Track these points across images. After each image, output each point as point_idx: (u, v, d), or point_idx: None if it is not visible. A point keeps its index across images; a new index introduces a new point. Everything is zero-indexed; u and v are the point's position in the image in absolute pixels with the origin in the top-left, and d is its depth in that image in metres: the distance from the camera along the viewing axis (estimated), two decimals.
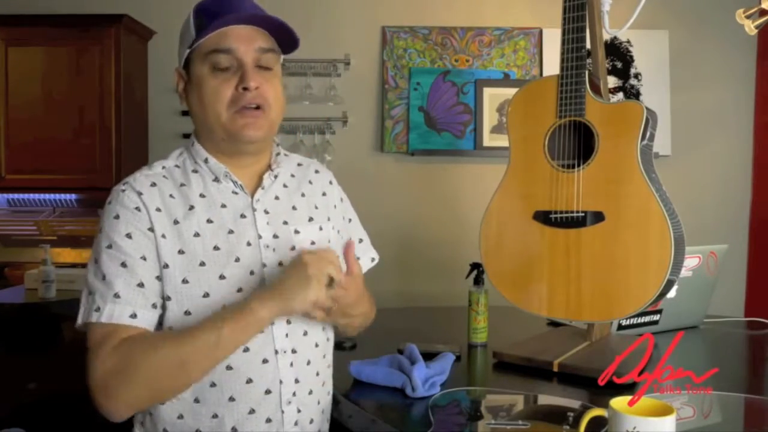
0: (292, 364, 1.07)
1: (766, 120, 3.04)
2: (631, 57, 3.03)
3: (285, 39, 1.10)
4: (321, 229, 1.17)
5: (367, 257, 1.30)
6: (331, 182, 1.26)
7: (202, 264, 1.02)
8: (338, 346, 1.53)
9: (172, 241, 1.02)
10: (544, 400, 1.27)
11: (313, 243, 1.14)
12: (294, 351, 1.07)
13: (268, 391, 1.04)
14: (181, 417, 1.03)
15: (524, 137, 1.47)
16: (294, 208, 1.15)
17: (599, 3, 1.52)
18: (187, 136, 3.03)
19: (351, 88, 3.04)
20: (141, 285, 1.00)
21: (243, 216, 1.08)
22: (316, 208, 1.18)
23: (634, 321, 1.72)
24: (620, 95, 3.02)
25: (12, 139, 2.86)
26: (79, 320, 1.01)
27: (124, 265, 1.00)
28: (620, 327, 1.70)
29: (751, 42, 2.99)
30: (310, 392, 1.10)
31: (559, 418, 1.12)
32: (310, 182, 1.21)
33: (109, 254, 1.00)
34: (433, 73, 3.02)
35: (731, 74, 3.06)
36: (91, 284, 1.01)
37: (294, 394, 1.07)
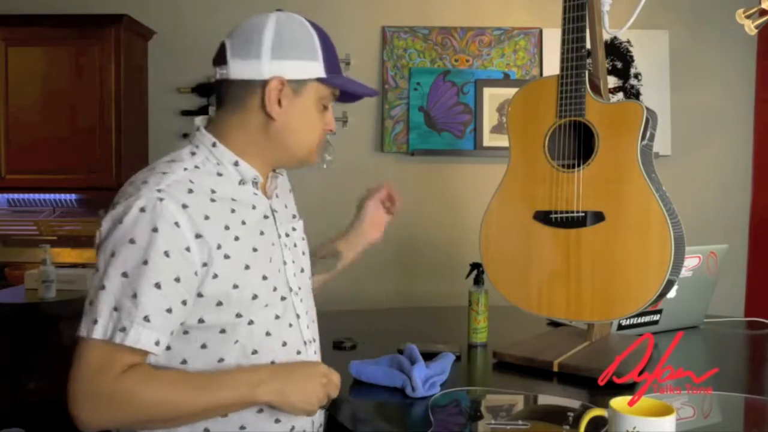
0: (315, 352, 1.15)
1: (766, 120, 3.04)
2: (631, 57, 3.03)
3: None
4: (302, 222, 1.25)
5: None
6: (282, 174, 1.28)
7: (247, 267, 1.03)
8: (338, 346, 1.53)
9: (222, 248, 1.00)
10: (544, 400, 1.27)
11: (304, 238, 1.23)
12: (313, 339, 1.16)
13: None
14: (225, 416, 1.03)
15: (524, 137, 1.47)
16: (285, 206, 1.21)
17: (599, 3, 1.52)
18: (187, 135, 3.04)
19: None
20: (169, 311, 0.95)
21: (266, 217, 1.11)
22: (293, 204, 1.26)
23: (634, 321, 1.72)
24: (620, 95, 3.02)
25: (12, 139, 2.87)
26: (95, 334, 0.93)
27: (158, 286, 0.94)
28: (620, 327, 1.70)
29: (751, 42, 2.99)
30: None
31: (559, 418, 1.12)
32: (279, 180, 1.23)
33: (143, 271, 0.94)
34: (433, 73, 3.02)
35: (731, 74, 3.06)
36: (119, 300, 0.94)
37: None
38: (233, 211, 1.04)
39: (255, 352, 1.04)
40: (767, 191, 3.04)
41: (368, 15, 3.05)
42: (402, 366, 1.28)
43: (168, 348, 1.00)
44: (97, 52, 2.82)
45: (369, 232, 1.41)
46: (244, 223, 1.05)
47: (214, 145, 1.07)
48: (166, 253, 0.94)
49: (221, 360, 1.02)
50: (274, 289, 1.07)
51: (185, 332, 1.01)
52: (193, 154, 1.07)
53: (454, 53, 3.04)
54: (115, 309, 0.93)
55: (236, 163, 1.07)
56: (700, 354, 1.71)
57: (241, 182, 1.08)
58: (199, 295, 0.99)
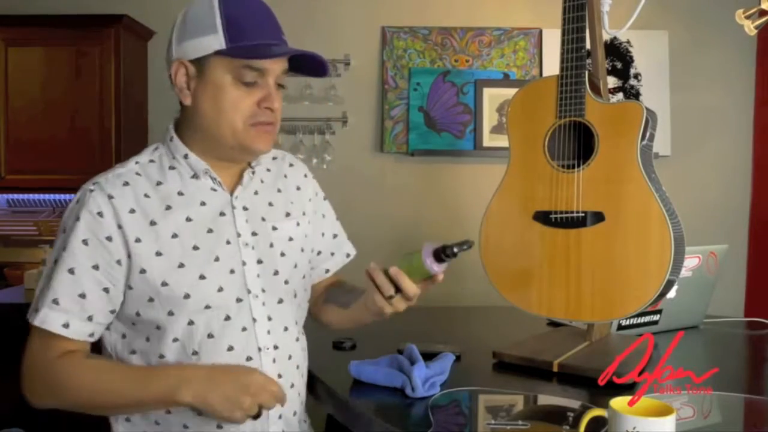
0: (274, 360, 1.08)
1: (766, 120, 3.04)
2: (631, 57, 3.03)
3: (309, 63, 1.09)
4: (298, 224, 1.17)
5: (342, 253, 1.32)
6: (305, 175, 1.25)
7: (181, 266, 1.01)
8: (338, 346, 1.53)
9: (148, 244, 1.00)
10: (544, 400, 1.27)
11: (291, 239, 1.14)
12: (276, 347, 1.08)
13: None
14: (168, 412, 1.04)
15: (524, 137, 1.47)
16: (271, 204, 1.14)
17: (599, 3, 1.52)
18: None
19: (351, 88, 3.04)
20: (83, 296, 0.99)
21: (222, 214, 1.07)
22: (292, 203, 1.18)
23: (634, 321, 1.72)
24: (620, 95, 3.02)
25: (12, 139, 2.86)
26: (30, 318, 1.01)
27: (71, 271, 0.98)
28: (620, 327, 1.70)
29: (751, 42, 2.99)
30: (292, 385, 1.12)
31: (559, 418, 1.12)
32: (285, 176, 1.21)
33: (61, 257, 0.99)
34: (433, 73, 3.02)
35: (731, 74, 3.06)
36: (40, 283, 1.02)
37: None
38: (169, 207, 1.03)
39: (195, 353, 1.02)
40: (767, 191, 3.04)
41: (368, 15, 3.05)
42: (402, 366, 1.28)
43: (124, 336, 1.05)
44: (97, 52, 2.82)
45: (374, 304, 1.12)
46: (189, 219, 1.03)
47: (171, 139, 1.09)
48: (85, 242, 0.99)
49: (162, 356, 1.03)
50: (220, 290, 1.03)
51: (133, 323, 1.04)
52: (156, 149, 1.10)
53: (454, 53, 3.04)
54: (39, 291, 1.02)
55: (186, 156, 1.07)
56: (700, 354, 1.71)
57: (195, 176, 1.07)
58: (129, 287, 1.01)
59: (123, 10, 2.85)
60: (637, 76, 3.03)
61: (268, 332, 1.08)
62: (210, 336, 1.03)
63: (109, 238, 0.99)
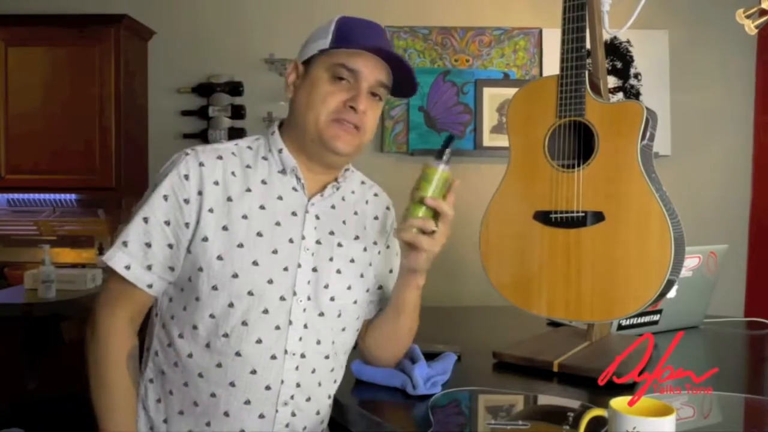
0: (297, 368, 1.08)
1: (765, 120, 3.04)
2: (631, 57, 3.03)
3: (404, 83, 1.15)
4: (365, 249, 1.18)
5: None
6: (388, 207, 1.28)
7: (240, 245, 1.05)
8: None
9: (218, 216, 1.05)
10: (544, 400, 1.27)
11: (352, 261, 1.16)
12: (303, 356, 1.08)
13: (268, 387, 1.06)
14: (186, 385, 1.07)
15: (524, 137, 1.47)
16: (344, 222, 1.16)
17: (599, 3, 1.52)
18: (187, 136, 3.05)
19: None
20: (148, 245, 1.05)
21: (294, 213, 1.10)
22: (365, 228, 1.20)
23: (634, 321, 1.72)
24: (620, 95, 3.02)
25: (12, 139, 2.87)
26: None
27: (146, 220, 1.05)
28: (620, 327, 1.70)
29: (751, 42, 2.99)
30: (308, 399, 1.10)
31: (559, 418, 1.12)
32: (367, 202, 1.23)
33: (142, 207, 1.06)
34: (433, 73, 3.02)
35: (731, 74, 3.06)
36: (120, 227, 1.08)
37: (292, 397, 1.08)
38: (249, 190, 1.08)
39: (226, 335, 1.04)
40: (767, 191, 3.04)
41: (368, 15, 3.02)
42: (402, 366, 1.28)
43: (171, 300, 1.09)
44: (97, 52, 2.82)
45: (403, 261, 1.18)
46: (262, 207, 1.08)
47: (272, 133, 1.15)
48: (165, 197, 1.05)
49: (195, 327, 1.06)
50: (269, 282, 1.05)
51: (182, 289, 1.08)
52: (257, 139, 1.16)
53: (454, 53, 3.04)
54: (118, 235, 1.07)
55: (280, 151, 1.12)
56: (700, 354, 1.71)
57: (282, 171, 1.12)
58: (188, 251, 1.05)
59: (123, 10, 2.86)
60: (637, 75, 3.03)
61: (300, 339, 1.08)
62: (244, 324, 1.04)
63: (186, 201, 1.05)
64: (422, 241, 1.10)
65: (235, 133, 2.98)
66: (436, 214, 1.11)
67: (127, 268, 1.04)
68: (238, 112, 3.04)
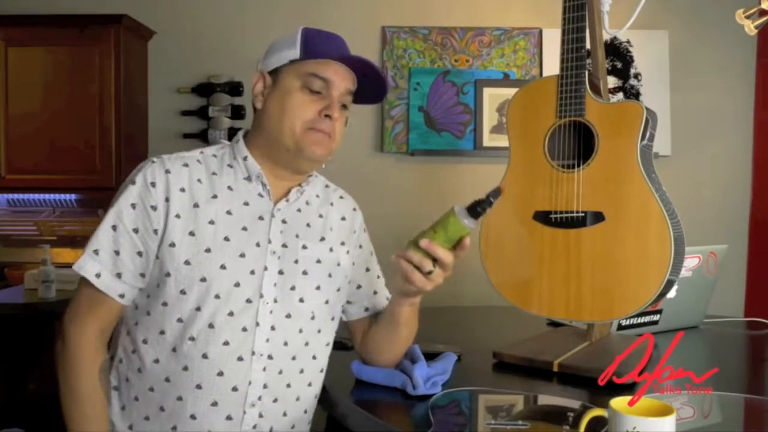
0: (264, 369, 1.09)
1: (765, 120, 3.04)
2: (631, 57, 3.03)
3: (373, 89, 1.19)
4: (331, 250, 1.20)
5: (383, 295, 1.33)
6: (354, 209, 1.30)
7: (208, 250, 1.06)
8: (339, 345, 1.53)
9: (185, 222, 1.06)
10: (544, 400, 1.27)
11: (318, 261, 1.17)
12: (270, 357, 1.09)
13: (235, 389, 1.06)
14: (151, 390, 1.07)
15: (524, 137, 1.47)
16: (308, 225, 1.18)
17: (599, 3, 1.52)
18: (187, 136, 3.05)
19: None
20: (117, 253, 1.06)
21: (261, 218, 1.12)
22: (331, 229, 1.22)
23: (634, 321, 1.72)
24: (620, 95, 3.02)
25: (12, 139, 2.87)
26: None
27: (114, 228, 1.07)
28: (620, 327, 1.70)
29: (751, 42, 2.99)
30: (275, 400, 1.11)
31: (559, 418, 1.13)
32: (332, 204, 1.25)
33: (110, 215, 1.07)
34: (433, 73, 3.02)
35: (731, 74, 3.06)
36: (92, 234, 1.09)
37: (259, 398, 1.09)
38: (215, 197, 1.10)
39: (192, 338, 1.05)
40: (767, 191, 3.04)
41: (368, 15, 3.05)
42: (402, 366, 1.28)
43: (136, 307, 1.09)
44: (97, 52, 2.82)
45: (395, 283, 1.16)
46: (229, 213, 1.09)
47: (237, 141, 1.18)
48: (133, 205, 1.07)
49: (162, 332, 1.06)
50: (236, 285, 1.07)
51: (148, 295, 1.09)
52: (222, 147, 1.19)
53: (454, 53, 3.04)
54: (88, 242, 1.08)
55: (245, 158, 1.14)
56: (700, 354, 1.71)
57: (248, 178, 1.14)
58: (157, 257, 1.07)
59: (123, 10, 2.86)
60: (637, 75, 3.03)
61: (267, 340, 1.09)
62: (210, 326, 1.05)
63: (154, 207, 1.06)
64: (415, 279, 1.06)
65: (235, 134, 2.98)
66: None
67: (98, 276, 1.05)
68: (238, 112, 3.04)
